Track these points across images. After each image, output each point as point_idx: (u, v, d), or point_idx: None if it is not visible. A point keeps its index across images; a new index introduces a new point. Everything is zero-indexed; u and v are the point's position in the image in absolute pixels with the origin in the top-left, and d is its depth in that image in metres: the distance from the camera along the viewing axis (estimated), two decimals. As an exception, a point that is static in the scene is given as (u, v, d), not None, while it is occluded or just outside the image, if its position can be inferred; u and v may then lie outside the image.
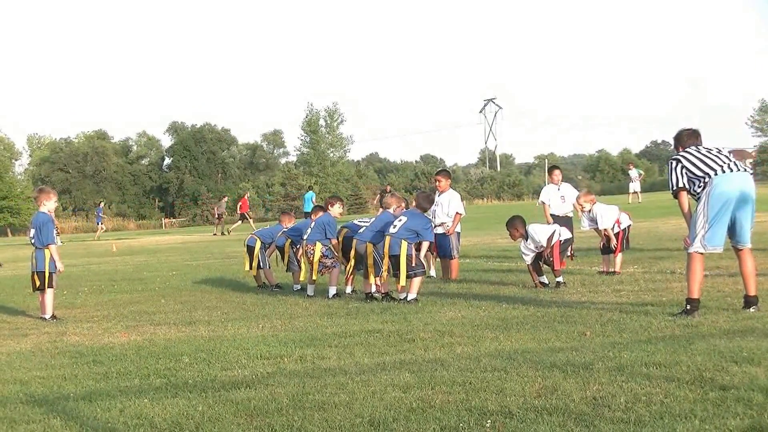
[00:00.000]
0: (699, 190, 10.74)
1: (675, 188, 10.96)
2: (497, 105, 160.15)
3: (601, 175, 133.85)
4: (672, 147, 11.66)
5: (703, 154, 10.83)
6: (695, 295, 10.71)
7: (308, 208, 51.78)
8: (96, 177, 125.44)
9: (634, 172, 61.24)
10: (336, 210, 16.29)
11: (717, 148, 10.98)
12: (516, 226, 15.13)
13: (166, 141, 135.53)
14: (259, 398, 7.47)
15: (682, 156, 10.96)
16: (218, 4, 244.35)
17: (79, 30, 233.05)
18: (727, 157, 10.80)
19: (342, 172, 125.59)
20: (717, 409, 6.11)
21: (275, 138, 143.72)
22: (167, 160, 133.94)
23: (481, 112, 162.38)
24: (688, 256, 10.77)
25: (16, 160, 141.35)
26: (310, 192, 55.24)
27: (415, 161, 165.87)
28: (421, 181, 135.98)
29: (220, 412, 7.10)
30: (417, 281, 14.15)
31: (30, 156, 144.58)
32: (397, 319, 12.12)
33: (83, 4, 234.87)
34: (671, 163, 11.06)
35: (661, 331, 9.81)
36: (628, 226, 17.26)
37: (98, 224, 63.34)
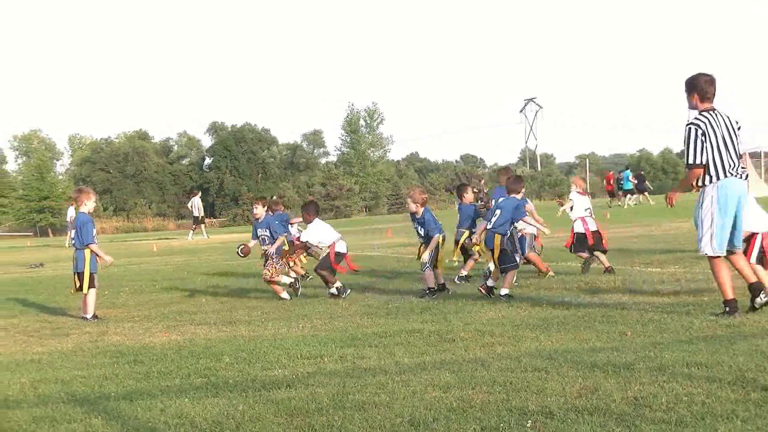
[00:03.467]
0: (701, 178, 10.61)
1: (694, 163, 10.53)
2: (537, 104, 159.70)
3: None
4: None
5: (727, 137, 10.50)
6: (729, 295, 10.60)
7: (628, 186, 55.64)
8: (136, 177, 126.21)
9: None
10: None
11: (735, 130, 10.63)
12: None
13: (207, 141, 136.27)
14: (299, 398, 7.48)
15: (707, 125, 10.49)
16: (259, 4, 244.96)
17: (120, 30, 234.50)
18: (737, 153, 10.62)
19: (382, 171, 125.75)
20: (759, 409, 6.07)
21: (315, 138, 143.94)
22: (207, 160, 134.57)
23: (521, 111, 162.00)
24: (708, 260, 10.79)
25: (57, 160, 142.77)
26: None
27: (455, 161, 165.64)
28: (461, 180, 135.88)
29: (261, 411, 7.12)
30: (509, 276, 14.15)
31: (71, 156, 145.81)
32: (437, 319, 12.10)
33: (123, 5, 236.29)
34: (693, 129, 10.52)
35: (703, 331, 9.74)
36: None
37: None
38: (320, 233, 16.00)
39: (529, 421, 6.23)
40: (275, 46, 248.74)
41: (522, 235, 16.47)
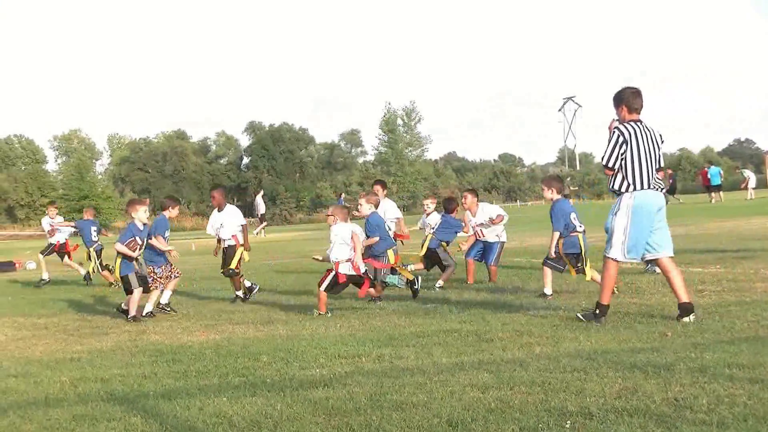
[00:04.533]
0: (617, 185, 10.93)
1: (607, 163, 10.94)
2: (576, 103, 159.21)
3: (682, 173, 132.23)
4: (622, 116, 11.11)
5: (650, 149, 10.84)
6: (606, 300, 11.09)
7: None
8: (175, 176, 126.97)
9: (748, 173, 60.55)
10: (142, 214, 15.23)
11: (658, 144, 10.98)
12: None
13: (245, 140, 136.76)
14: (337, 397, 7.48)
15: (631, 135, 10.83)
16: (299, 4, 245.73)
17: (159, 31, 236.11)
18: (656, 167, 10.93)
19: (420, 171, 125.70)
20: (803, 411, 5.99)
21: (353, 137, 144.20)
22: (245, 160, 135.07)
23: (560, 110, 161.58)
24: (604, 259, 11.14)
25: (96, 159, 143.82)
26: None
27: (494, 160, 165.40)
28: (500, 179, 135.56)
29: (299, 411, 7.12)
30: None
31: (110, 156, 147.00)
32: (475, 318, 12.06)
33: (163, 5, 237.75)
34: (617, 133, 10.88)
35: (744, 332, 9.65)
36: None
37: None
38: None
39: (569, 422, 6.19)
40: (313, 45, 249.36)
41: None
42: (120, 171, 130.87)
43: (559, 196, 13.90)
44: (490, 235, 17.76)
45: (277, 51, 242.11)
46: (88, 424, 7.23)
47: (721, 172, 59.03)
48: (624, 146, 10.77)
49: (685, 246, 21.50)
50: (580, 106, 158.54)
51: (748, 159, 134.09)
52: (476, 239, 17.84)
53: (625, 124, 10.92)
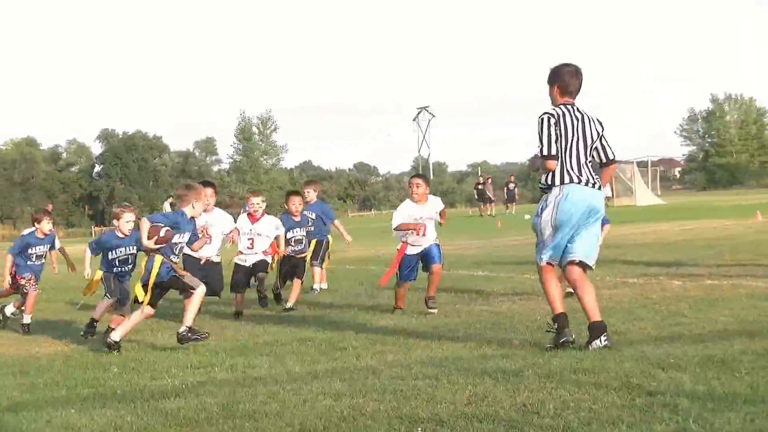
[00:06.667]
0: (545, 178, 9.36)
1: (548, 153, 9.23)
2: (430, 113, 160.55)
3: (532, 183, 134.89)
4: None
5: (581, 138, 9.26)
6: (559, 309, 9.34)
7: None
8: (24, 185, 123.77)
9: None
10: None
11: (595, 133, 9.37)
12: None
13: (97, 148, 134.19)
14: (189, 408, 7.40)
15: (560, 117, 9.26)
16: (147, 9, 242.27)
17: (8, 35, 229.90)
18: (589, 159, 9.36)
19: (275, 179, 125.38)
20: (644, 414, 6.17)
21: (208, 145, 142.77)
22: (98, 168, 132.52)
23: (414, 120, 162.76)
24: (537, 270, 9.65)
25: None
26: None
27: (349, 169, 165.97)
28: (355, 188, 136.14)
29: (149, 422, 7.03)
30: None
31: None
32: (329, 327, 12.09)
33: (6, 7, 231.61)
34: (546, 118, 9.27)
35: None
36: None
37: None
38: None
39: (419, 429, 6.25)
40: (167, 52, 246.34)
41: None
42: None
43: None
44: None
45: (131, 56, 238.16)
46: (-72, 439, 7.01)
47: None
48: (556, 127, 9.21)
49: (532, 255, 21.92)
50: (433, 116, 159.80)
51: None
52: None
53: (554, 107, 9.39)
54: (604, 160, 9.55)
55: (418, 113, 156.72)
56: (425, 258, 13.34)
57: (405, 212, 13.40)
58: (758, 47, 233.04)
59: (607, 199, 10.40)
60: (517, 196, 62.49)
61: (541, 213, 9.35)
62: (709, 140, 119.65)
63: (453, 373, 8.07)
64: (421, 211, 13.35)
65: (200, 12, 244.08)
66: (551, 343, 9.25)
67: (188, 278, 11.29)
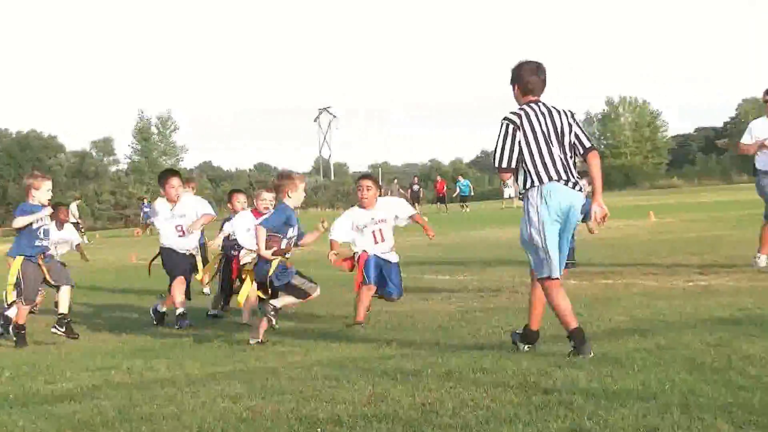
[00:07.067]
0: (521, 183, 8.72)
1: (500, 165, 8.68)
2: (332, 114, 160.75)
3: (432, 183, 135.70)
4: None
5: (552, 135, 8.59)
6: (574, 324, 8.55)
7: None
8: None
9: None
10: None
11: (567, 127, 8.69)
12: None
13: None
14: (84, 411, 7.29)
15: (522, 120, 8.59)
16: (43, 4, 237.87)
17: None
18: (562, 153, 8.61)
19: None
20: (540, 412, 6.24)
21: (105, 145, 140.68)
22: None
23: (315, 120, 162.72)
24: (541, 285, 8.67)
25: None
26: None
27: (249, 169, 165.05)
28: (255, 189, 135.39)
29: (43, 426, 6.91)
30: None
31: None
32: (229, 328, 12.04)
33: None
34: (504, 125, 8.62)
35: (488, 337, 10.00)
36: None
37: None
38: None
39: (319, 430, 6.25)
40: (62, 49, 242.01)
41: None
42: None
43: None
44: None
45: (25, 56, 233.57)
46: None
47: (470, 184, 61.61)
48: (516, 135, 8.53)
49: (435, 255, 22.10)
50: (335, 116, 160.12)
51: (494, 171, 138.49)
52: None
53: (516, 109, 8.73)
54: (582, 150, 8.76)
55: (320, 114, 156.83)
56: (382, 284, 12.14)
57: (348, 220, 12.30)
58: (651, 50, 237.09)
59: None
60: (421, 196, 63.09)
61: (528, 222, 8.54)
62: (605, 142, 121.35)
63: (353, 374, 8.09)
64: (368, 216, 12.22)
65: (97, 6, 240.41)
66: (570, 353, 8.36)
67: (306, 285, 10.91)
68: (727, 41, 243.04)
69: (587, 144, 8.75)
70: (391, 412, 6.56)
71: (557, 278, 8.50)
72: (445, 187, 63.61)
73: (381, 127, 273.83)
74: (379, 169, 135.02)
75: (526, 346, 8.87)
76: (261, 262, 10.74)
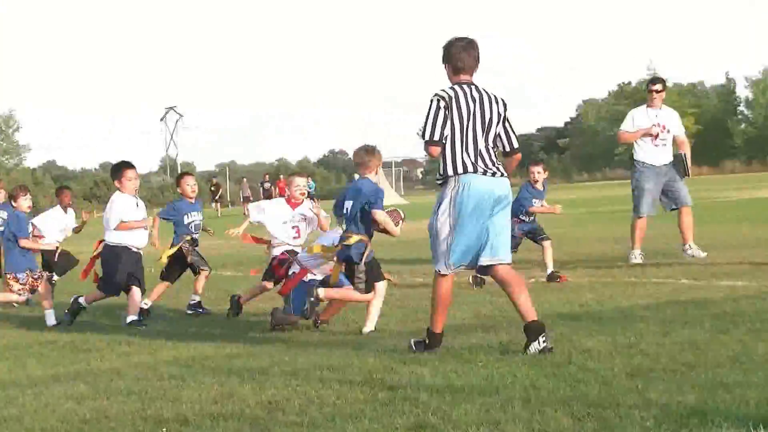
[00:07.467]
0: (441, 170, 8.27)
1: (431, 138, 8.11)
2: (178, 113, 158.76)
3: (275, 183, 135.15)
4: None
5: (479, 121, 8.16)
6: (439, 328, 8.51)
7: None
8: None
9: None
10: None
11: (496, 115, 8.28)
12: None
13: None
14: None
15: (452, 99, 8.12)
16: None
17: None
18: (489, 142, 8.29)
19: (18, 180, 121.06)
20: (385, 408, 6.33)
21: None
22: None
23: (162, 120, 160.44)
24: (434, 278, 8.49)
25: None
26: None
27: (95, 169, 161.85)
28: (101, 188, 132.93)
29: None
30: None
31: None
32: (72, 329, 11.84)
33: None
34: (435, 100, 8.13)
35: (335, 335, 10.09)
36: None
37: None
38: None
39: (164, 429, 6.22)
40: None
41: None
42: None
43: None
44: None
45: None
46: None
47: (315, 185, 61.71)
48: (446, 112, 8.06)
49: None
50: (181, 115, 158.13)
51: (341, 170, 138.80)
52: None
53: (447, 88, 8.24)
54: (507, 149, 8.46)
55: (166, 113, 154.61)
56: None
57: (273, 212, 12.09)
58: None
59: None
60: (272, 195, 62.81)
61: (437, 211, 8.20)
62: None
63: (199, 373, 8.07)
64: (293, 213, 12.00)
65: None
66: (414, 341, 8.59)
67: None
68: (568, 43, 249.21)
69: (515, 145, 8.47)
70: (237, 411, 6.58)
71: (443, 273, 8.28)
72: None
73: (226, 126, 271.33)
74: (227, 168, 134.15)
75: (541, 339, 8.07)
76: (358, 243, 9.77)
